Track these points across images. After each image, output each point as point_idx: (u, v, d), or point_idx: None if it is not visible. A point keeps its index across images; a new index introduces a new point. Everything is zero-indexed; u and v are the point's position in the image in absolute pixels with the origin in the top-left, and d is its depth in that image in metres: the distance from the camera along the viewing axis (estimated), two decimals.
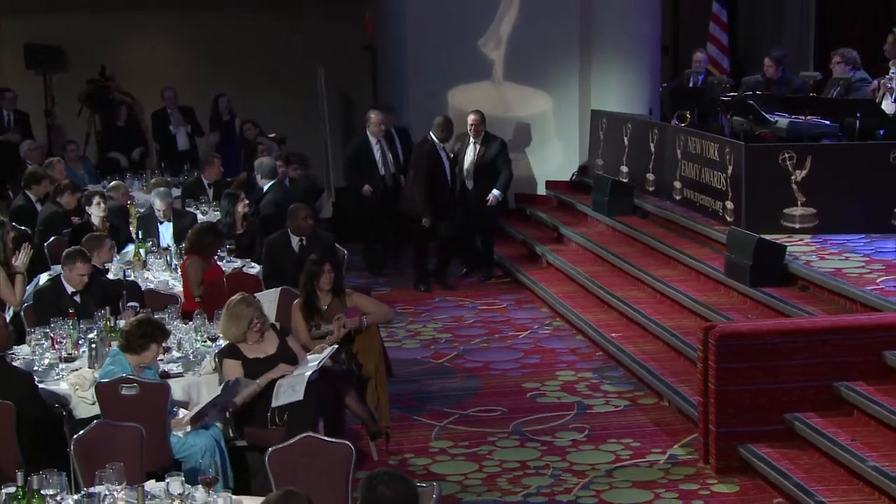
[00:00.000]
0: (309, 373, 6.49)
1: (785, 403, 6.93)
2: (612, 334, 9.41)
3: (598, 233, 11.83)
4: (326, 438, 5.25)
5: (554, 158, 13.93)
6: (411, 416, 8.15)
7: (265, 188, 10.70)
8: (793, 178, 9.52)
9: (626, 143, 12.45)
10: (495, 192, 11.64)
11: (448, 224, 11.43)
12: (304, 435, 5.23)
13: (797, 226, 9.54)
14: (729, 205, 9.94)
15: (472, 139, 11.75)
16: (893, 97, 9.97)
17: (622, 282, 10.40)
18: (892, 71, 10.05)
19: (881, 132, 9.88)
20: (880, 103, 10.10)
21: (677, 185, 11.14)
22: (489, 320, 10.50)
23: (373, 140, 11.96)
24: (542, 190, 13.81)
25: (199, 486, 4.88)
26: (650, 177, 11.84)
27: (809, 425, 6.74)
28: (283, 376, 6.59)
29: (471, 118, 11.72)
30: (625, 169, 12.46)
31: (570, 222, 12.48)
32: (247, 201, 9.87)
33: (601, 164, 13.08)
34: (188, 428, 6.26)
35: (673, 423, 7.83)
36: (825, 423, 6.72)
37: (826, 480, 6.34)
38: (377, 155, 11.96)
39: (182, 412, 6.39)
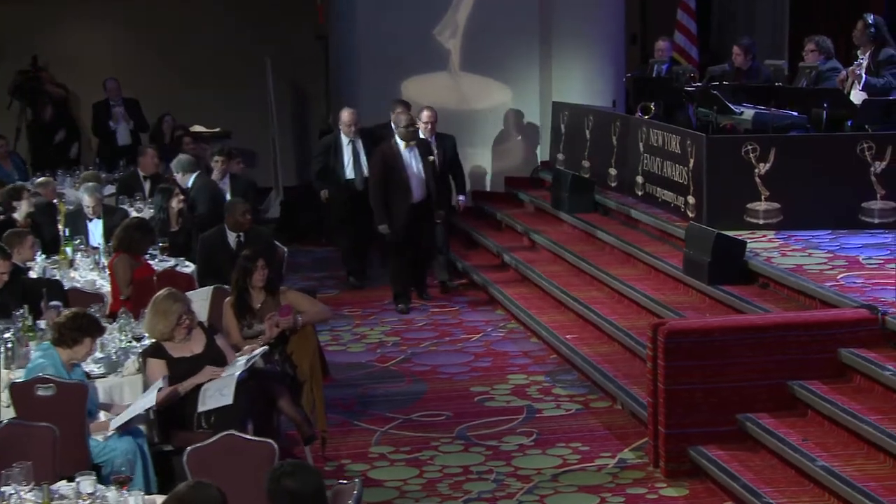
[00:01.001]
0: (238, 373, 6.65)
1: (737, 403, 7.15)
2: (567, 336, 9.61)
3: (557, 231, 12.03)
4: (248, 437, 5.41)
5: (514, 154, 14.14)
6: (352, 420, 8.31)
7: (190, 183, 10.83)
8: (756, 171, 9.76)
9: (588, 136, 12.68)
10: (461, 197, 11.79)
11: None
12: (225, 433, 5.39)
13: (761, 221, 9.78)
14: (690, 200, 10.16)
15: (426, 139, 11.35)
16: (861, 85, 10.22)
17: (580, 282, 10.61)
18: (859, 58, 10.29)
19: (849, 123, 10.13)
20: (849, 93, 10.36)
21: (639, 179, 11.37)
22: (440, 323, 10.68)
23: (344, 140, 11.86)
24: (500, 187, 14.00)
25: (112, 485, 5.02)
26: (612, 172, 12.06)
27: (761, 426, 6.96)
28: (210, 380, 6.75)
29: (425, 115, 11.49)
30: (587, 164, 12.68)
31: (529, 221, 12.68)
32: (182, 196, 10.01)
33: (562, 158, 13.30)
34: (109, 432, 6.39)
35: (625, 426, 8.03)
36: (777, 424, 6.94)
37: (776, 482, 6.55)
38: (345, 157, 11.82)
39: (103, 415, 6.52)
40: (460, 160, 11.92)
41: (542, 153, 14.01)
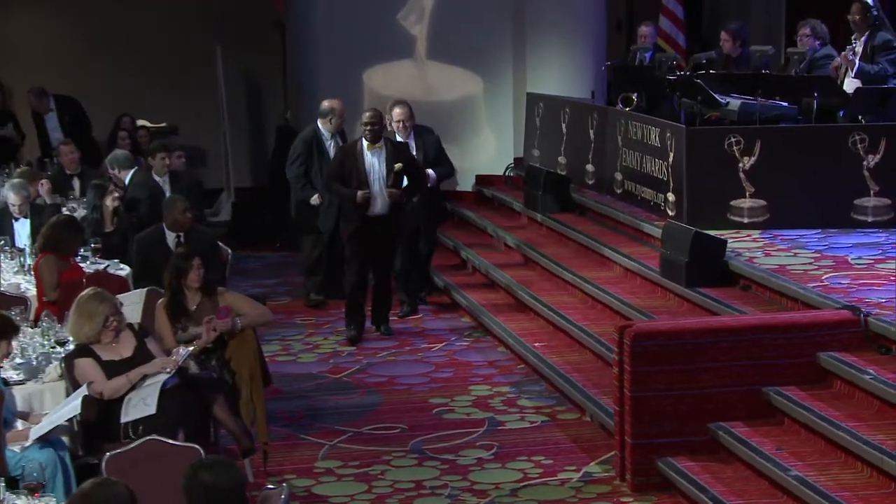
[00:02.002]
0: (162, 380, 6.81)
1: (709, 411, 7.33)
2: (535, 344, 9.80)
3: (529, 233, 12.24)
4: (171, 441, 5.57)
5: (485, 150, 14.34)
6: (298, 434, 8.48)
7: (127, 180, 10.97)
8: (740, 165, 9.98)
9: (564, 130, 12.89)
10: (431, 172, 11.04)
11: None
12: (147, 438, 5.55)
13: (745, 220, 10.00)
14: (671, 197, 10.37)
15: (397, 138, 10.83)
16: (854, 72, 10.45)
17: (552, 286, 10.81)
18: (853, 43, 10.51)
19: (841, 113, 10.36)
20: (842, 81, 10.59)
21: (618, 176, 11.58)
22: (400, 331, 10.84)
23: (326, 135, 11.46)
24: (470, 186, 14.20)
25: (22, 492, 5.17)
26: (590, 168, 12.28)
27: (734, 435, 7.14)
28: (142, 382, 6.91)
29: (396, 112, 10.98)
30: (563, 160, 12.89)
31: (500, 222, 12.89)
32: (117, 194, 10.17)
33: (537, 154, 13.50)
34: (28, 442, 6.53)
35: (593, 438, 8.21)
36: (751, 433, 7.12)
37: (748, 493, 6.74)
38: (331, 156, 11.14)
39: (20, 424, 6.66)
40: (448, 157, 11.53)
41: (516, 149, 14.20)
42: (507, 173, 14.11)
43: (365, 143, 10.25)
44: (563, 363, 9.27)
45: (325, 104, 11.55)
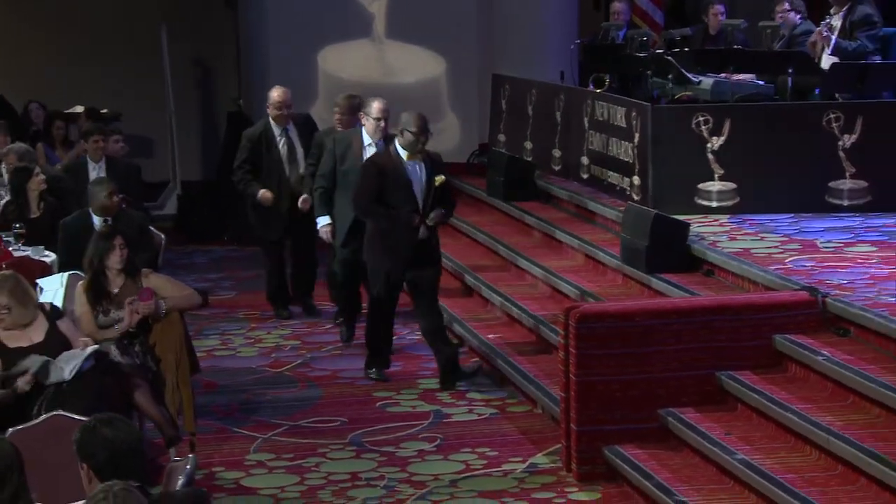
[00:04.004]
0: (87, 354, 7.14)
1: (660, 397, 7.65)
2: (489, 336, 10.12)
3: (491, 222, 12.57)
4: (76, 416, 5.85)
5: (449, 135, 14.69)
6: (230, 427, 8.78)
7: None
8: (709, 146, 10.32)
9: (531, 113, 13.23)
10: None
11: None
12: (52, 414, 5.85)
13: (714, 204, 10.33)
14: (636, 181, 10.71)
15: (375, 141, 10.03)
16: (831, 48, 10.79)
17: (511, 276, 11.15)
18: (828, 18, 10.86)
19: (817, 91, 10.70)
20: (819, 58, 10.94)
21: (584, 160, 11.92)
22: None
23: (276, 129, 11.01)
24: None
25: None
26: (556, 153, 12.62)
27: (685, 421, 7.46)
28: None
29: (376, 108, 10.03)
30: (529, 145, 13.23)
31: (460, 211, 13.14)
32: (42, 177, 10.46)
33: (503, 140, 13.85)
34: None
35: (543, 430, 8.52)
36: (701, 418, 7.45)
37: (694, 479, 7.06)
38: (282, 150, 10.96)
39: None
40: None
41: (482, 134, 14.53)
42: (471, 160, 14.43)
43: (402, 152, 9.32)
44: (516, 355, 9.58)
45: (273, 95, 11.04)
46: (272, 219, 11.07)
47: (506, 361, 9.52)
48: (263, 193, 10.80)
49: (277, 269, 11.35)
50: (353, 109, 10.51)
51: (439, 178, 9.34)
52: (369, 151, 9.89)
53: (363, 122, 10.09)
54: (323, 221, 10.22)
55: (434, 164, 9.43)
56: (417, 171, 9.30)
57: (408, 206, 9.20)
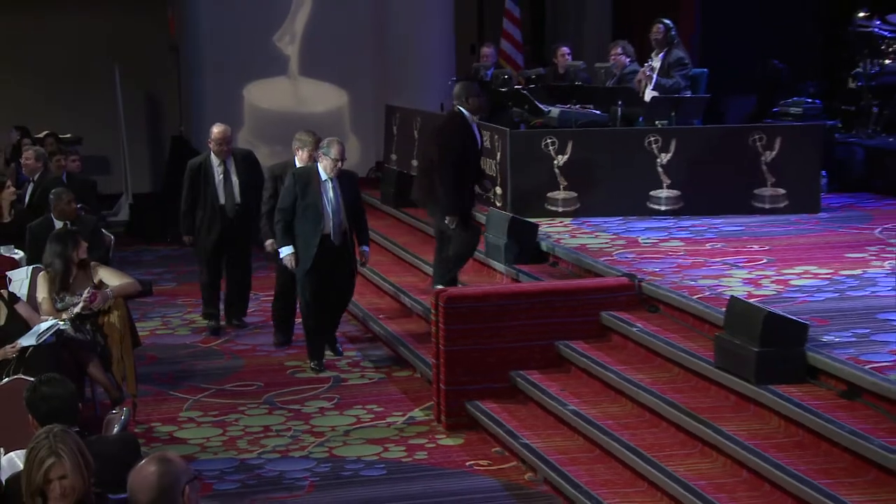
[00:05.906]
0: (56, 323, 7.24)
1: (511, 362, 7.89)
2: (380, 316, 10.30)
3: (385, 225, 12.74)
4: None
5: (351, 154, 14.54)
6: (167, 391, 8.89)
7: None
8: (555, 162, 10.58)
9: (416, 137, 13.40)
10: (365, 248, 9.48)
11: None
12: (13, 378, 5.93)
13: (560, 209, 10.59)
14: (499, 191, 10.94)
15: (330, 177, 9.15)
16: (653, 85, 11.14)
17: (400, 269, 11.34)
18: (650, 60, 11.21)
19: (640, 119, 11.03)
20: (643, 93, 11.28)
21: None
22: (268, 310, 11.23)
23: (215, 161, 10.23)
24: None
25: None
26: None
27: (530, 381, 7.71)
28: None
29: (335, 151, 9.11)
30: (415, 163, 13.39)
31: None
32: (13, 188, 10.47)
33: (395, 158, 14.00)
34: None
35: (420, 391, 8.73)
36: (543, 379, 7.70)
37: (536, 427, 7.31)
38: (218, 179, 10.20)
39: None
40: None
41: (378, 154, 14.71)
42: (369, 175, 14.60)
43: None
44: (400, 330, 9.79)
45: (214, 131, 10.28)
46: (205, 242, 10.39)
47: (392, 336, 9.71)
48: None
49: (211, 282, 10.55)
50: (316, 146, 9.51)
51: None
52: (326, 187, 9.12)
53: (319, 159, 9.23)
54: (286, 251, 9.23)
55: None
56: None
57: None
